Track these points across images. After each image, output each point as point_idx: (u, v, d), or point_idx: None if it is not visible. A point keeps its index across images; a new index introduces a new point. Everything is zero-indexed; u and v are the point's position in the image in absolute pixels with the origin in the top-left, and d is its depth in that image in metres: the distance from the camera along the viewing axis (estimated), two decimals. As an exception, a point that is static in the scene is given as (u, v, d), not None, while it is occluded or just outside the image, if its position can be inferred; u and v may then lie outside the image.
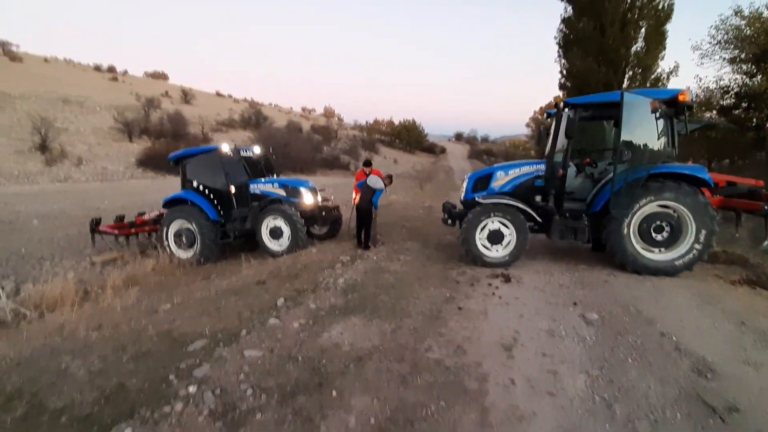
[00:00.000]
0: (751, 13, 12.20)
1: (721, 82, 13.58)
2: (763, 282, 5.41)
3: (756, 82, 12.37)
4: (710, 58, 13.67)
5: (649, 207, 5.32)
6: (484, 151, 58.06)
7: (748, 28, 12.38)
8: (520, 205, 5.74)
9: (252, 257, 7.40)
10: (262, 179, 8.48)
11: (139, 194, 15.52)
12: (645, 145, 5.38)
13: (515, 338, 3.53)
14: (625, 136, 5.25)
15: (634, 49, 16.55)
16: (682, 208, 5.20)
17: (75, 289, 6.08)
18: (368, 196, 7.08)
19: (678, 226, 5.28)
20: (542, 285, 5.03)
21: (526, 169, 6.11)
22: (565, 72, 18.45)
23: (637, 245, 5.42)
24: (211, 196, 8.26)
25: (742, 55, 12.89)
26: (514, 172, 6.13)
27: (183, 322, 4.21)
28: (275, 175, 9.27)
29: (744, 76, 13.13)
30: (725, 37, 13.11)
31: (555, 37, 18.32)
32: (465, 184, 6.40)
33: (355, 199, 7.45)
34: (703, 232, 5.17)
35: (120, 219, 9.19)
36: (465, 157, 53.91)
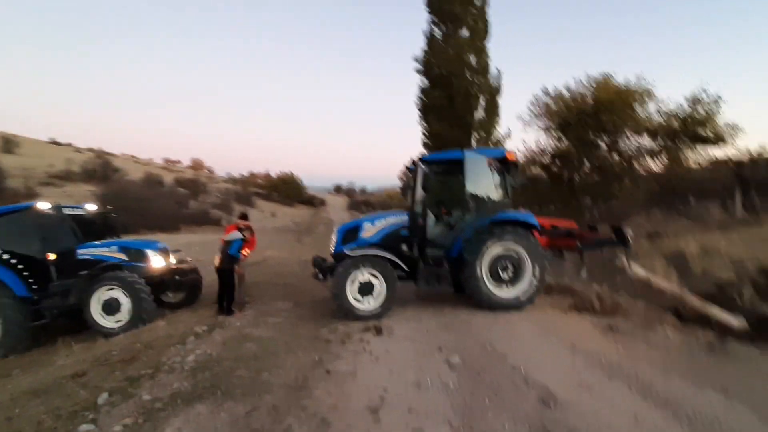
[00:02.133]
0: (555, 93, 15.83)
1: (540, 145, 16.95)
2: (586, 307, 6.44)
3: (563, 146, 15.79)
4: (530, 126, 17.07)
5: (495, 250, 5.98)
6: (363, 202, 60.49)
7: (554, 104, 15.96)
8: (388, 255, 5.88)
9: (76, 341, 5.90)
10: (97, 242, 7.05)
11: None
12: (487, 196, 6.16)
13: (383, 397, 3.36)
14: (470, 189, 5.93)
15: (477, 117, 19.71)
16: (521, 249, 5.98)
17: None
18: (227, 253, 6.45)
19: (519, 265, 6.02)
20: (411, 333, 5.07)
21: (392, 220, 6.37)
22: (426, 133, 20.82)
23: (490, 285, 5.98)
24: (21, 266, 6.50)
25: (552, 125, 16.40)
26: (381, 223, 6.33)
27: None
28: (117, 237, 7.86)
29: (555, 141, 16.66)
30: (538, 111, 16.63)
31: (415, 103, 20.75)
32: (335, 237, 6.34)
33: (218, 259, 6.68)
34: (538, 268, 5.99)
35: None
36: (345, 208, 55.23)
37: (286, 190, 50.05)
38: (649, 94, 14.19)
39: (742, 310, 7.01)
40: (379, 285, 5.79)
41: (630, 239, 6.33)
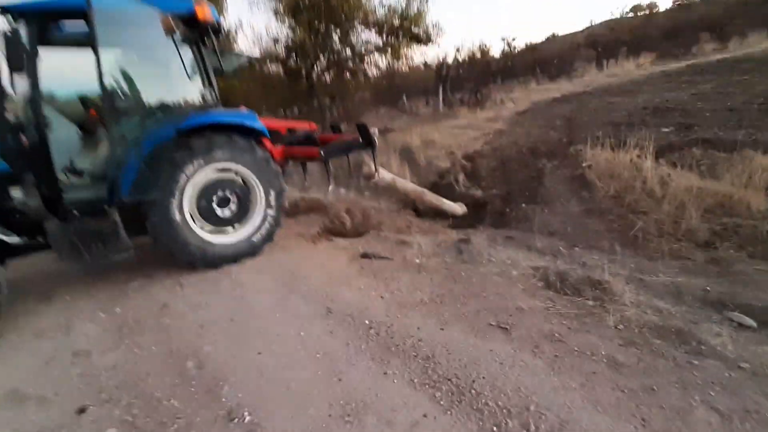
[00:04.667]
0: (281, -35, 12.93)
1: (271, 33, 14.31)
2: (337, 229, 5.29)
3: (297, 36, 13.70)
4: (258, 8, 13.97)
5: (202, 175, 3.71)
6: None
7: (281, -21, 13.16)
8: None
9: None
10: None
11: None
12: (169, 87, 3.58)
13: None
14: (125, 72, 3.18)
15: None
16: (243, 168, 3.92)
17: None
18: None
19: (245, 193, 4.03)
20: (27, 381, 2.44)
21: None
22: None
23: (203, 231, 3.79)
24: None
25: (281, 8, 13.83)
26: None
27: None
28: None
29: (288, 29, 14.34)
30: (264, -14, 13.54)
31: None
32: None
33: None
34: (272, 192, 4.15)
35: None
36: None
37: None
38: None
39: (461, 195, 7.68)
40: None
41: (375, 139, 5.30)
